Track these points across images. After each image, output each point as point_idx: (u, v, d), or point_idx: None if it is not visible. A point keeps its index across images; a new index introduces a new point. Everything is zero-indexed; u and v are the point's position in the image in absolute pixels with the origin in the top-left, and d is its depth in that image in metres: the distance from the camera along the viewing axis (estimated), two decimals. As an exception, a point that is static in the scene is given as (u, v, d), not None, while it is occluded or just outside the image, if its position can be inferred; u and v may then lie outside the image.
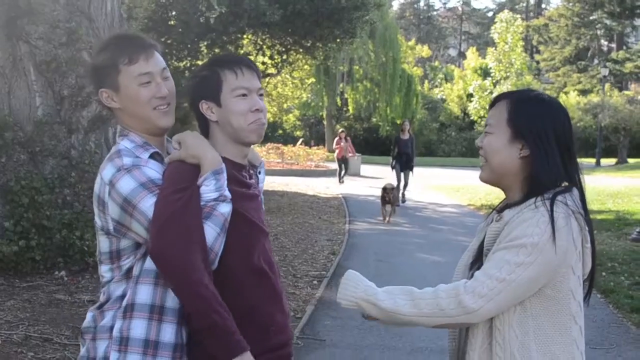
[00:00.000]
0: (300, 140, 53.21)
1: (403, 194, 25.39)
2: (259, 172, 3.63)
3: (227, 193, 3.16)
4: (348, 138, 37.74)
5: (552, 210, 2.98)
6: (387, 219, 20.32)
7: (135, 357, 3.15)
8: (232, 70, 3.31)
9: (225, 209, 3.13)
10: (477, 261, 3.22)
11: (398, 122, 61.57)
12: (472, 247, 3.38)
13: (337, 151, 35.58)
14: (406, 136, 25.30)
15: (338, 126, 44.90)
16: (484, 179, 3.29)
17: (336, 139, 37.06)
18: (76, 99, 11.18)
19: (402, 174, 25.21)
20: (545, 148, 3.10)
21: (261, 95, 3.41)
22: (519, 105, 3.18)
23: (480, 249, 3.25)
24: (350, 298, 3.16)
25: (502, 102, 3.23)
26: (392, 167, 25.37)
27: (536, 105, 3.18)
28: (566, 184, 3.14)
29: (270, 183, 29.60)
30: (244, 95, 3.31)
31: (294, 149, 45.28)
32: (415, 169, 25.20)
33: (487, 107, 3.34)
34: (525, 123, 3.13)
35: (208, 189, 3.11)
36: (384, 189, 20.03)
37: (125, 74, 3.31)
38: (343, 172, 35.35)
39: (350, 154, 37.07)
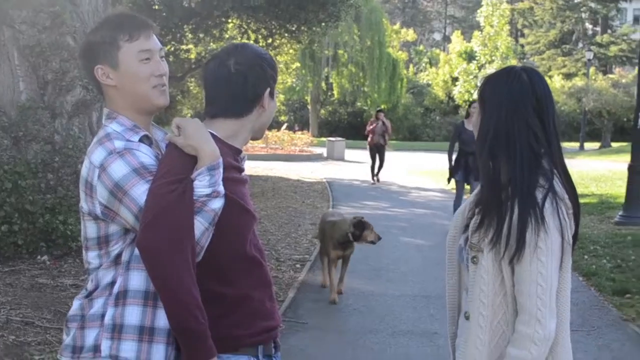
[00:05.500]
0: (285, 124, 53.03)
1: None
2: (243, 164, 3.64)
3: (221, 188, 3.10)
4: (388, 122, 27.31)
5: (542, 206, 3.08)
6: (334, 295, 10.24)
7: (129, 345, 3.09)
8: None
9: (217, 204, 3.08)
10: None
11: (383, 106, 61.63)
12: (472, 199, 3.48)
13: (369, 137, 26.78)
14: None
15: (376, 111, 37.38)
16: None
17: (370, 119, 28.09)
18: (60, 84, 11.17)
19: (469, 187, 15.62)
20: (493, 114, 3.22)
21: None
22: (487, 79, 3.34)
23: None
24: None
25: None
26: (451, 176, 15.71)
27: (500, 78, 3.30)
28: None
29: (254, 168, 29.55)
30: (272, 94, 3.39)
31: (278, 134, 45.04)
32: (399, 153, 22.92)
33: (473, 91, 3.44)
34: (485, 93, 3.28)
35: (202, 184, 3.05)
36: (361, 223, 10.35)
37: (126, 50, 3.27)
38: (377, 166, 26.99)
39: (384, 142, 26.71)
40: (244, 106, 3.32)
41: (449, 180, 15.86)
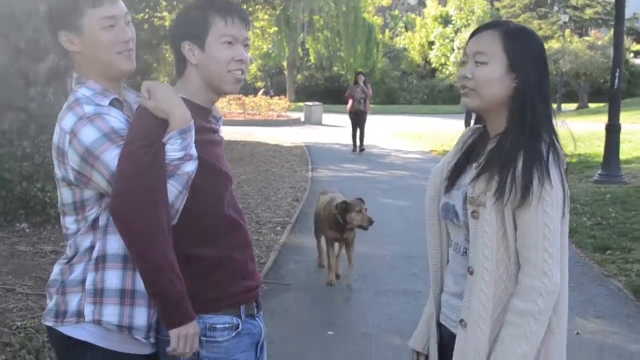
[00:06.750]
0: (262, 90, 52.89)
1: None
2: (219, 126, 3.57)
3: (193, 151, 3.08)
4: (368, 85, 25.50)
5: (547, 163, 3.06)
6: (332, 276, 9.22)
7: (112, 309, 3.11)
8: (222, 16, 3.23)
9: (190, 167, 3.06)
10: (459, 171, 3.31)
11: (360, 70, 61.67)
12: (449, 159, 3.42)
13: (349, 102, 25.14)
14: None
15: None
16: (473, 108, 3.24)
17: (350, 85, 26.36)
18: (33, 52, 11.06)
19: None
20: (539, 79, 3.14)
21: (247, 46, 3.32)
22: (513, 36, 3.16)
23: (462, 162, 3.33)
24: None
25: (492, 32, 3.17)
26: None
27: (528, 37, 3.19)
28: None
29: (232, 133, 29.49)
30: (229, 43, 3.23)
31: (256, 100, 44.97)
32: (377, 117, 22.94)
33: (467, 40, 3.28)
34: (522, 54, 3.13)
35: (173, 148, 3.04)
36: (344, 205, 9.08)
37: (89, 16, 3.19)
38: (359, 136, 25.16)
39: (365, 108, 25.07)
40: (177, 64, 3.33)
41: None
